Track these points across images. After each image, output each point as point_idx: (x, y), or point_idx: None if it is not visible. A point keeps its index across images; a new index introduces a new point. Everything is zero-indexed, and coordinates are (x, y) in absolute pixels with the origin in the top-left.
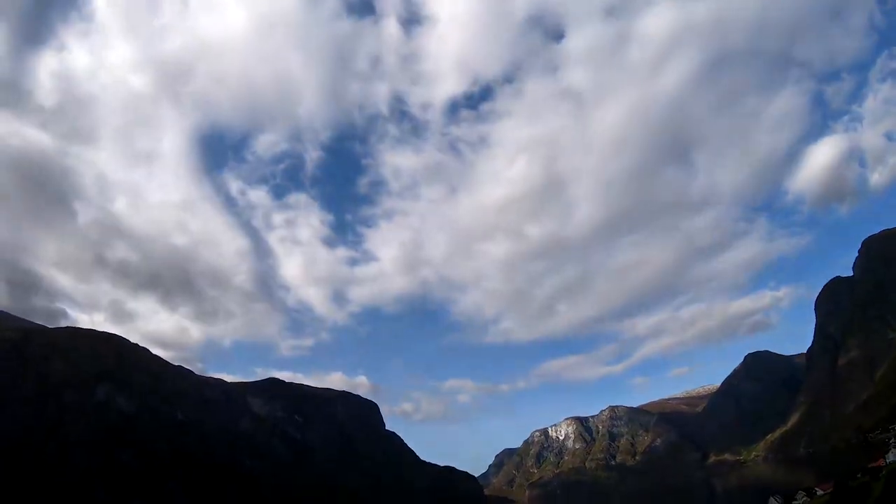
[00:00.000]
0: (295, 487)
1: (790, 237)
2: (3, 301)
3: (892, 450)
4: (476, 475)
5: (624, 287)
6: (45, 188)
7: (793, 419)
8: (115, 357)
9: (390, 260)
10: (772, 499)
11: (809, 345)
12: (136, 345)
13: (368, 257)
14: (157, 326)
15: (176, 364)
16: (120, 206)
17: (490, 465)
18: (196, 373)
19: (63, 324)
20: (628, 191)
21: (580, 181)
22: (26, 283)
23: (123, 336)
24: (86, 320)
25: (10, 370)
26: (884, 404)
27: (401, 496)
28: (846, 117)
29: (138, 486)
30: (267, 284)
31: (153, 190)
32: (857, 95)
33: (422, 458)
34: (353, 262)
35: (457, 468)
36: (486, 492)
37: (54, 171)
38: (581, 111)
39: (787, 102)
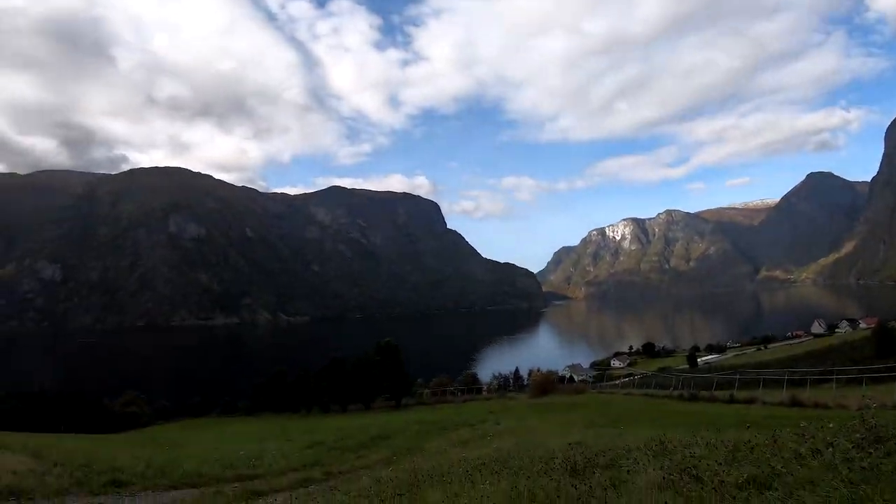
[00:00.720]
0: (362, 285)
1: (867, 57)
2: (66, 161)
3: None
4: (535, 272)
5: (687, 89)
6: (81, 44)
7: (847, 247)
8: (181, 188)
9: (442, 59)
10: (816, 322)
11: (874, 174)
12: (199, 173)
13: (420, 57)
14: (216, 152)
15: (240, 185)
16: (160, 43)
17: (548, 262)
18: (259, 191)
19: (125, 168)
20: None
21: None
22: (83, 139)
23: (185, 167)
24: (146, 160)
25: (84, 220)
26: None
27: (463, 291)
28: None
29: (218, 302)
30: (318, 96)
31: (191, 20)
32: None
33: (483, 255)
34: (405, 64)
35: (516, 265)
36: (543, 287)
37: (86, 24)
38: None
39: None
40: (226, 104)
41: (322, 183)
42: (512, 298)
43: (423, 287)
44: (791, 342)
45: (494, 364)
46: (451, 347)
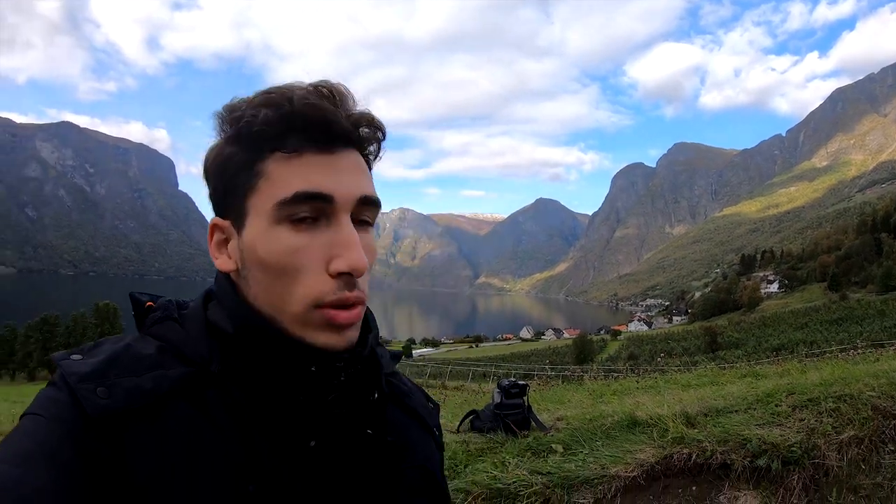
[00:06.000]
0: (79, 238)
1: (613, 112)
2: None
3: (635, 321)
4: None
5: (445, 101)
6: None
7: (560, 268)
8: None
9: (216, 12)
10: (525, 328)
11: (595, 210)
12: None
13: (194, 4)
14: None
15: None
16: None
17: None
18: None
19: None
20: (476, 9)
21: None
22: None
23: None
24: None
25: None
26: (642, 281)
27: (187, 258)
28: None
29: None
30: (75, 17)
31: None
32: None
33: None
34: (177, 6)
35: None
36: None
37: None
38: None
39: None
40: None
41: (54, 116)
42: None
43: (146, 248)
44: (500, 343)
45: None
46: None
